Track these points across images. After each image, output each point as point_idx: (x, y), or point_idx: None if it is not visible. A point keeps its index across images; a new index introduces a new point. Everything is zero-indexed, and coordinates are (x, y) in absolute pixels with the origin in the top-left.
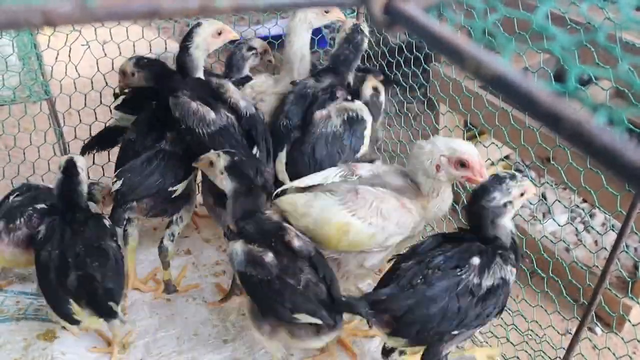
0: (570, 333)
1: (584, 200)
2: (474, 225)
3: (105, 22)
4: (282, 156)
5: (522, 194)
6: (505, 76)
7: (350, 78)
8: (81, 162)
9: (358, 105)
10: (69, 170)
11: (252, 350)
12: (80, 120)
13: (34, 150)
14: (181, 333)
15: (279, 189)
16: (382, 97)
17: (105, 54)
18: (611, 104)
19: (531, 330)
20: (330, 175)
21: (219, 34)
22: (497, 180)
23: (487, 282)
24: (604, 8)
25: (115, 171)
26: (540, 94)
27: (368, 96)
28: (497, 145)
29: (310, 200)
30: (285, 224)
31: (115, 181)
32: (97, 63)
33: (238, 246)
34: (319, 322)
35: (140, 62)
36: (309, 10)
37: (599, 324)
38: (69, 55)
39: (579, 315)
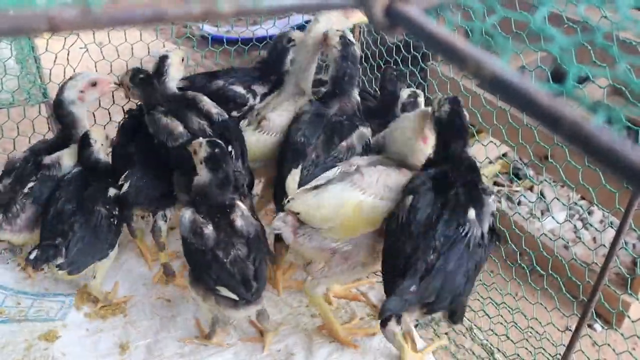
0: (570, 330)
1: (582, 198)
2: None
3: (109, 28)
4: (296, 173)
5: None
6: (504, 77)
7: (357, 94)
8: (95, 134)
9: (369, 130)
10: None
11: (253, 352)
12: None
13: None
14: (183, 335)
15: (288, 198)
16: (421, 99)
17: (104, 57)
18: (608, 102)
19: (531, 328)
20: (331, 174)
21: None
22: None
23: (485, 226)
24: (600, 7)
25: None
26: (539, 94)
27: (405, 98)
28: (495, 144)
29: (319, 192)
30: (239, 203)
31: (122, 184)
32: (95, 66)
33: (187, 213)
34: (235, 297)
35: (135, 79)
36: (332, 14)
37: (598, 320)
38: (68, 58)
39: (578, 312)
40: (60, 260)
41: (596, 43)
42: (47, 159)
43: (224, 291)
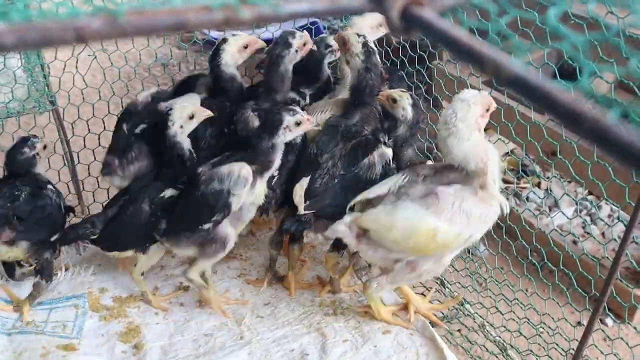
0: (582, 325)
1: (590, 193)
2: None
3: (134, 37)
4: (305, 181)
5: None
6: (525, 77)
7: (377, 102)
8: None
9: (390, 151)
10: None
11: (268, 352)
12: (89, 130)
13: (44, 160)
14: (197, 337)
15: (351, 202)
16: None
17: (112, 64)
18: (616, 97)
19: (543, 323)
20: (396, 181)
21: (245, 47)
22: None
23: None
24: (607, 4)
25: None
26: (560, 93)
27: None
28: (503, 141)
29: (391, 211)
30: None
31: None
32: (103, 73)
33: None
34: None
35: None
36: (364, 23)
37: (610, 314)
38: (76, 66)
39: (590, 306)
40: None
41: (607, 40)
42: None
43: None
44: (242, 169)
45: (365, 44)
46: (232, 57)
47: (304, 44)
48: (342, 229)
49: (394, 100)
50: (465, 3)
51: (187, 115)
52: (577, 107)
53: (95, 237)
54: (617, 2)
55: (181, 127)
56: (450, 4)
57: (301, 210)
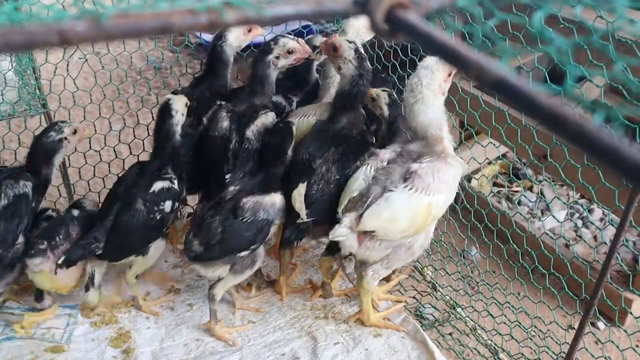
0: (573, 328)
1: (582, 196)
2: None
3: (119, 39)
4: (302, 187)
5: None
6: (507, 80)
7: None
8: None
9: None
10: None
11: (259, 357)
12: None
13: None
14: (187, 341)
15: (340, 206)
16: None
17: (103, 66)
18: (606, 101)
19: (535, 327)
20: (365, 173)
21: (249, 31)
22: None
23: None
24: (596, 8)
25: None
26: (541, 96)
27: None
28: (494, 145)
29: (388, 205)
30: None
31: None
32: (95, 76)
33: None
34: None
35: None
36: (359, 24)
37: (602, 318)
38: (67, 69)
39: (581, 310)
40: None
41: (593, 44)
42: None
43: None
44: (282, 200)
45: (357, 50)
46: (237, 39)
47: (289, 52)
48: (344, 231)
49: (373, 99)
50: (450, 6)
51: (184, 105)
52: (559, 110)
53: (100, 252)
54: (602, 6)
55: (182, 115)
56: (435, 7)
57: (303, 217)
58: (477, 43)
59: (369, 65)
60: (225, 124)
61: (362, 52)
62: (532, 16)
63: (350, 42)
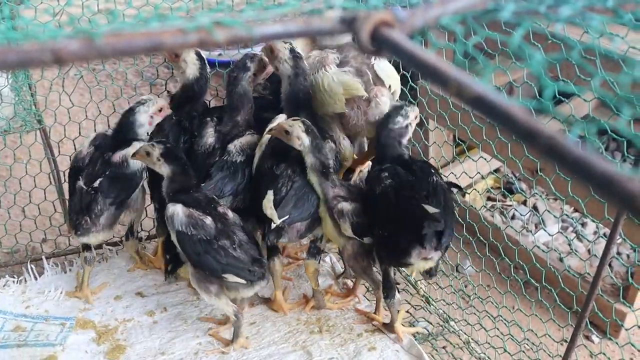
0: (566, 341)
1: (575, 210)
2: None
3: (111, 58)
4: (270, 195)
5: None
6: (485, 97)
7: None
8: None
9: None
10: None
11: None
12: (76, 149)
13: (30, 179)
14: (182, 355)
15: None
16: None
17: (98, 83)
18: (594, 115)
19: (527, 340)
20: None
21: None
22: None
23: None
24: (580, 24)
25: None
26: (517, 112)
27: None
28: (485, 159)
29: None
30: (217, 199)
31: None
32: (90, 92)
33: (179, 208)
34: (243, 281)
35: None
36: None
37: (595, 331)
38: (63, 85)
39: (573, 322)
40: None
41: (573, 60)
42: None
43: (231, 278)
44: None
45: (292, 50)
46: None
47: (264, 67)
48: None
49: (286, 132)
50: (434, 25)
51: (157, 108)
52: (532, 124)
53: None
54: (584, 23)
55: (151, 117)
56: (419, 25)
57: (276, 220)
58: (459, 60)
59: (306, 65)
60: (210, 140)
61: (298, 52)
62: (513, 35)
63: (285, 43)
